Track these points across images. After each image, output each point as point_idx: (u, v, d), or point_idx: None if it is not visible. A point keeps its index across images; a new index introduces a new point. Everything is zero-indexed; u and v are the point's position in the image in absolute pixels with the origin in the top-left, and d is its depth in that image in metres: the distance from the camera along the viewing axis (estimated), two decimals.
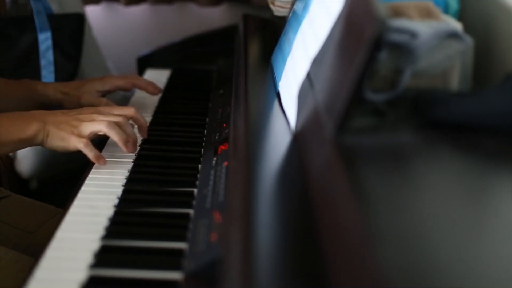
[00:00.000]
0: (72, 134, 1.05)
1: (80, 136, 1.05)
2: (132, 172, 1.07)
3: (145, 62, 1.75)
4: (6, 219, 1.16)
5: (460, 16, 1.05)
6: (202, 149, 1.15)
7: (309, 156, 0.82)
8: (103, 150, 1.13)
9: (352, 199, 0.63)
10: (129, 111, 1.11)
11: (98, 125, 1.05)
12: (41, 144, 1.07)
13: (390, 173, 0.70)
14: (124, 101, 1.45)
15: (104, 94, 1.34)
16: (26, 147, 1.11)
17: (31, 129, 1.06)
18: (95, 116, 1.07)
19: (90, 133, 1.05)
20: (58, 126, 1.06)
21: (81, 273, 0.81)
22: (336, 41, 0.82)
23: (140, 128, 1.15)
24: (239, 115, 1.03)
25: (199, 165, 1.09)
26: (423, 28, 0.78)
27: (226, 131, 1.12)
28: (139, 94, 1.45)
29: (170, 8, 2.23)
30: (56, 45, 1.64)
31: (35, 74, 1.60)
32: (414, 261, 0.54)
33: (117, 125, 1.07)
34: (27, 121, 1.07)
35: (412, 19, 0.83)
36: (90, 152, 1.05)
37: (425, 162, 0.73)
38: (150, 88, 1.37)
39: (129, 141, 1.08)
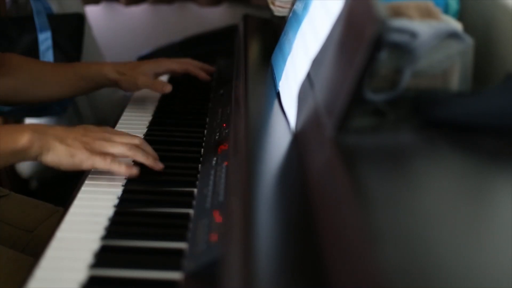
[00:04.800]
0: (85, 151, 0.98)
1: (95, 153, 0.98)
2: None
3: None
4: (6, 217, 1.16)
5: (460, 16, 1.05)
6: (202, 149, 1.15)
7: (309, 156, 0.82)
8: None
9: (352, 199, 0.63)
10: (137, 140, 1.04)
11: (120, 148, 1.00)
12: (37, 158, 0.97)
13: (390, 173, 0.70)
14: (124, 101, 1.45)
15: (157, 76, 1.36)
16: (21, 161, 1.05)
17: (23, 139, 0.96)
18: (108, 136, 1.01)
19: (107, 153, 0.99)
20: (64, 141, 0.98)
21: (81, 273, 0.81)
22: (336, 41, 0.82)
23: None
24: (239, 115, 1.03)
25: (199, 165, 1.09)
26: (423, 28, 0.78)
27: (226, 131, 1.12)
28: (139, 94, 1.45)
29: (170, 8, 2.23)
30: (56, 45, 1.64)
31: None
32: (414, 261, 0.54)
33: (138, 147, 1.03)
34: (20, 131, 0.97)
35: (412, 19, 0.83)
36: (120, 167, 0.99)
37: (425, 162, 0.73)
38: (202, 74, 1.39)
39: (157, 159, 1.04)
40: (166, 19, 2.25)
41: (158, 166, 1.03)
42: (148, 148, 1.05)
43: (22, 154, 0.97)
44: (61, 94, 1.35)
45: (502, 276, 0.53)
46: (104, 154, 0.99)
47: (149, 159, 1.02)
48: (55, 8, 1.69)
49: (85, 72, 1.33)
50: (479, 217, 0.63)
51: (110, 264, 0.83)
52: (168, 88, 1.32)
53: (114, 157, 1.00)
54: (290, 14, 1.20)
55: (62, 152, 0.97)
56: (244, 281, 0.63)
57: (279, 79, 1.11)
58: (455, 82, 0.81)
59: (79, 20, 1.70)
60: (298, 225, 0.74)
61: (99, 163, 0.98)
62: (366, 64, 0.70)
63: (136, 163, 1.04)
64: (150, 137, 1.23)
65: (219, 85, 1.45)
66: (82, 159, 0.98)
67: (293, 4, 1.20)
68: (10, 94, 1.31)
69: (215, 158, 1.06)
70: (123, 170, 0.99)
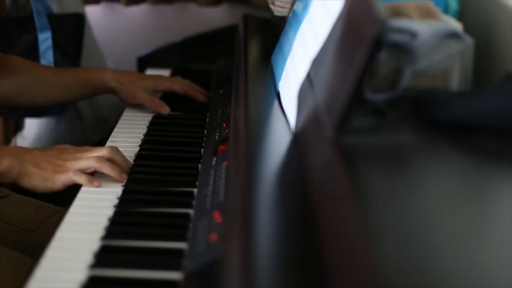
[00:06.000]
0: (56, 173, 1.01)
1: (66, 171, 1.02)
2: (132, 172, 1.07)
3: (145, 62, 1.75)
4: (6, 217, 1.16)
5: (460, 16, 1.05)
6: (202, 149, 1.15)
7: (309, 156, 0.82)
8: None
9: (352, 199, 0.63)
10: (104, 152, 1.05)
11: (86, 162, 1.02)
12: (15, 182, 1.03)
13: (390, 173, 0.70)
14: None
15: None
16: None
17: (2, 164, 1.01)
18: (79, 155, 1.04)
19: (79, 170, 1.02)
20: (39, 166, 1.02)
21: (81, 273, 0.81)
22: (336, 41, 0.82)
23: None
24: (239, 115, 1.03)
25: (199, 165, 1.09)
26: (423, 28, 0.78)
27: (226, 131, 1.12)
28: None
29: (170, 8, 2.23)
30: (56, 45, 1.64)
31: None
32: (414, 261, 0.54)
33: (107, 159, 1.04)
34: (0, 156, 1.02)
35: (412, 19, 0.83)
36: (80, 178, 1.01)
37: (425, 162, 0.73)
38: (202, 97, 1.39)
39: (122, 172, 1.04)
40: (166, 19, 2.25)
41: (121, 178, 1.03)
42: (119, 157, 1.06)
43: (1, 178, 1.02)
44: (60, 99, 1.37)
45: (502, 276, 0.53)
46: (69, 171, 1.02)
47: (115, 171, 1.03)
48: (55, 8, 1.69)
49: (85, 78, 1.34)
50: (479, 217, 0.63)
51: (110, 264, 0.83)
52: (166, 110, 1.33)
53: (78, 170, 1.02)
54: (290, 14, 1.20)
55: (36, 178, 1.02)
56: (244, 281, 0.63)
57: (279, 79, 1.11)
58: (455, 82, 0.81)
59: (79, 20, 1.70)
60: (298, 225, 0.74)
61: (65, 179, 1.01)
62: (366, 64, 0.70)
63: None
64: (150, 137, 1.23)
65: (219, 85, 1.45)
66: (53, 181, 1.01)
67: (293, 4, 1.20)
68: (10, 95, 1.32)
69: (215, 158, 1.06)
70: (84, 181, 1.01)
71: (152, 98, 1.34)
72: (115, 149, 1.07)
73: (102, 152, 1.05)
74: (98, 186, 1.01)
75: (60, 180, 1.01)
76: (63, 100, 1.39)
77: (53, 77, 1.34)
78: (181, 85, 1.38)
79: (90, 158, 1.03)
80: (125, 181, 1.04)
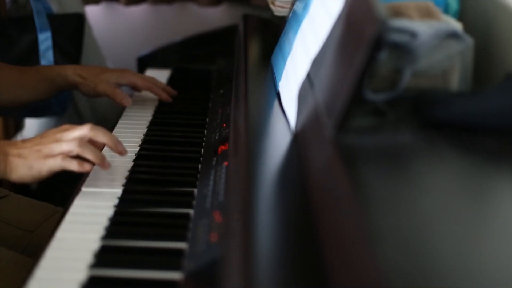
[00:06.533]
0: (40, 159, 0.98)
1: (49, 156, 0.98)
2: (132, 172, 1.07)
3: (145, 62, 1.75)
4: (6, 218, 1.16)
5: (460, 16, 1.05)
6: (202, 149, 1.15)
7: (309, 156, 0.82)
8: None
9: (352, 199, 0.63)
10: (85, 130, 1.00)
11: (68, 145, 0.98)
12: (4, 177, 1.00)
13: (390, 173, 0.70)
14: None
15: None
16: None
17: None
18: (59, 135, 0.99)
19: (60, 153, 0.98)
20: (22, 155, 0.98)
21: (81, 273, 0.81)
22: (336, 41, 0.82)
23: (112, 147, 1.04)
24: (239, 115, 1.03)
25: (199, 165, 1.09)
26: (423, 28, 0.78)
27: (226, 131, 1.12)
28: (139, 93, 1.45)
29: (170, 8, 2.23)
30: (56, 45, 1.64)
31: None
32: (414, 261, 0.54)
33: (89, 138, 1.00)
34: None
35: (412, 19, 0.83)
36: (70, 164, 0.97)
37: (425, 162, 0.73)
38: (164, 95, 1.38)
39: (104, 159, 1.00)
40: (166, 19, 2.25)
41: (104, 164, 1.00)
42: (100, 133, 1.01)
43: None
44: (27, 98, 1.36)
45: (502, 276, 0.53)
46: (55, 155, 0.98)
47: (97, 157, 0.99)
48: (55, 8, 1.69)
49: (47, 75, 1.33)
50: (479, 217, 0.63)
51: (110, 264, 0.83)
52: (128, 102, 1.31)
53: (65, 155, 0.98)
54: (290, 14, 1.20)
55: (21, 168, 0.98)
56: (244, 281, 0.63)
57: (279, 79, 1.11)
58: (455, 82, 0.81)
59: (79, 20, 1.70)
60: (298, 225, 0.74)
61: (52, 165, 0.98)
62: (366, 64, 0.70)
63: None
64: (150, 137, 1.23)
65: (219, 85, 1.45)
66: (39, 168, 0.98)
67: (293, 4, 1.20)
68: None
69: (215, 158, 1.06)
70: (75, 167, 0.98)
71: (114, 89, 1.31)
72: (99, 127, 1.02)
73: (82, 131, 1.00)
74: (90, 169, 0.98)
75: (47, 166, 0.98)
76: (30, 99, 1.37)
77: (19, 77, 1.33)
78: (144, 81, 1.36)
79: (71, 141, 0.98)
80: (109, 168, 1.01)
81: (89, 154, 0.99)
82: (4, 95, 1.33)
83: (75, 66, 1.36)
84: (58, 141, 0.99)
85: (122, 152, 1.04)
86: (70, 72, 1.33)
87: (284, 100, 1.04)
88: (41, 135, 1.02)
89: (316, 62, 0.91)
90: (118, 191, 1.01)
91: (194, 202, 0.97)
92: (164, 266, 0.82)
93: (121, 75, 1.34)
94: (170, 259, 0.83)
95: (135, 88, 1.38)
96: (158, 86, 1.39)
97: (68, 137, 0.99)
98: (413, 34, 0.77)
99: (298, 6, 1.14)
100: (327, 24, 0.89)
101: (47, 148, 0.98)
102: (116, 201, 0.98)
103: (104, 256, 0.84)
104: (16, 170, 0.99)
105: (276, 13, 1.50)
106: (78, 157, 0.99)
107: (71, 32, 1.68)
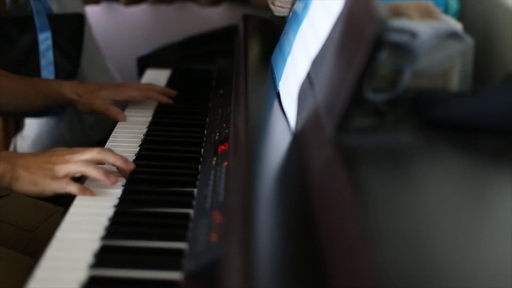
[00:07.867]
0: (46, 178, 1.01)
1: (56, 178, 1.01)
2: (132, 172, 1.07)
3: (145, 62, 1.75)
4: (6, 217, 1.16)
5: (460, 16, 1.05)
6: (202, 149, 1.15)
7: (309, 156, 0.82)
8: None
9: (352, 199, 0.63)
10: (94, 153, 1.04)
11: (73, 166, 1.01)
12: (7, 186, 1.03)
13: (390, 173, 0.70)
14: (124, 101, 1.45)
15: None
16: None
17: None
18: (68, 157, 1.03)
19: (66, 175, 1.01)
20: (29, 170, 1.02)
21: (81, 273, 0.81)
22: (336, 41, 0.82)
23: (118, 169, 1.06)
24: (239, 115, 1.03)
25: (199, 165, 1.09)
26: (423, 28, 0.78)
27: (226, 131, 1.12)
28: None
29: (170, 8, 2.23)
30: (56, 45, 1.64)
31: (35, 74, 1.60)
32: (414, 261, 0.54)
33: (98, 160, 1.03)
34: None
35: (412, 19, 0.83)
36: (73, 187, 1.00)
37: (425, 162, 0.73)
38: (164, 99, 1.39)
39: (108, 173, 1.02)
40: (166, 19, 2.25)
41: (108, 179, 1.01)
42: (111, 156, 1.04)
43: None
44: (22, 107, 1.38)
45: (502, 276, 0.53)
46: (61, 178, 1.01)
47: (99, 173, 1.01)
48: (55, 8, 1.69)
49: (44, 89, 1.35)
50: (479, 217, 0.63)
51: (110, 264, 0.83)
52: (123, 118, 1.33)
53: (69, 178, 1.02)
54: (290, 14, 1.20)
55: (26, 182, 1.02)
56: (244, 281, 0.63)
57: (279, 79, 1.11)
58: (455, 82, 0.81)
59: (79, 20, 1.70)
60: (298, 225, 0.74)
61: (57, 188, 1.01)
62: (366, 64, 0.70)
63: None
64: (150, 137, 1.23)
65: (219, 85, 1.45)
66: (43, 187, 1.01)
67: (293, 4, 1.20)
68: None
69: (215, 158, 1.06)
70: (75, 190, 1.00)
71: (108, 107, 1.33)
72: (107, 150, 1.06)
73: (90, 154, 1.03)
74: (92, 195, 1.00)
75: (51, 188, 1.01)
76: (28, 109, 1.40)
77: (18, 86, 1.35)
78: (140, 92, 1.38)
79: (78, 162, 1.02)
80: (117, 183, 1.03)
81: (91, 173, 1.02)
82: (3, 104, 1.35)
83: (72, 83, 1.38)
84: (66, 162, 1.02)
85: (132, 169, 1.06)
86: (67, 89, 1.34)
87: (284, 100, 1.04)
88: (50, 153, 1.05)
89: (316, 62, 0.91)
90: (118, 191, 1.01)
91: (194, 202, 0.97)
92: (164, 266, 0.82)
93: (117, 91, 1.36)
94: (170, 259, 0.83)
95: (133, 100, 1.39)
96: (156, 92, 1.40)
97: (76, 159, 1.03)
98: (413, 34, 0.77)
99: (298, 6, 1.14)
100: (327, 24, 0.89)
101: (55, 168, 1.02)
102: (116, 201, 0.98)
103: (104, 256, 0.84)
104: (21, 183, 1.02)
105: (276, 13, 1.50)
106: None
107: (71, 32, 1.68)
